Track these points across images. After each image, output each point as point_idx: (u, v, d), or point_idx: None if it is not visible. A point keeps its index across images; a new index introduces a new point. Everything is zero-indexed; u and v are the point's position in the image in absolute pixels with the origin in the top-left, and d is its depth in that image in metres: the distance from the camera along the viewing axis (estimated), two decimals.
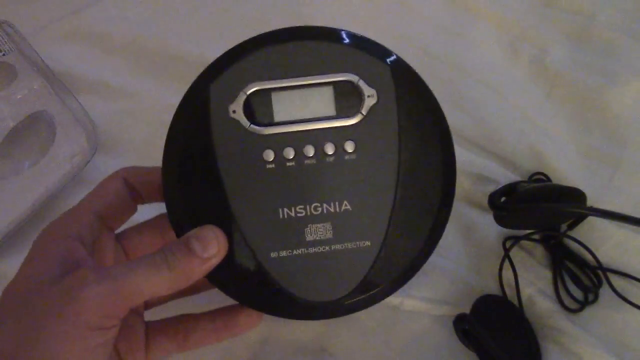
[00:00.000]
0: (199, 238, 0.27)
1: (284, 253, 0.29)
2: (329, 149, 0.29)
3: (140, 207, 0.32)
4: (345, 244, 0.29)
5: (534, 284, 0.42)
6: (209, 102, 0.29)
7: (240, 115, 0.29)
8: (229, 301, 0.31)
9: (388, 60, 0.30)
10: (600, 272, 0.41)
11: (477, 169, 0.45)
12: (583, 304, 0.41)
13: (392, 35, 0.52)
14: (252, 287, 0.30)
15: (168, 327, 0.32)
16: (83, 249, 0.27)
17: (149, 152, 0.46)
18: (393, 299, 0.40)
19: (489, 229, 0.44)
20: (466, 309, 0.40)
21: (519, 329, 0.40)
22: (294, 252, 0.29)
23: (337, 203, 0.29)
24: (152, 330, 0.32)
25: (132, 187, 0.31)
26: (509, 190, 0.43)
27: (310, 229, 0.29)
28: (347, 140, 0.29)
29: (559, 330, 0.40)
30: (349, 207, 0.29)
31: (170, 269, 0.26)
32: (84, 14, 0.51)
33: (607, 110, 0.49)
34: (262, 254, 0.29)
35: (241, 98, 0.29)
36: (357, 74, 0.29)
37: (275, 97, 0.29)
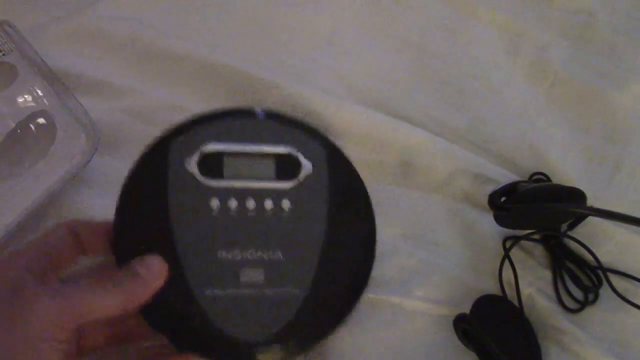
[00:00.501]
0: (143, 263, 0.30)
1: (218, 291, 0.32)
2: (268, 205, 0.33)
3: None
4: (275, 289, 0.33)
5: (534, 284, 0.42)
6: (167, 155, 0.34)
7: (194, 169, 0.33)
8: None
9: (324, 141, 0.36)
10: (600, 272, 0.41)
11: (476, 168, 0.45)
12: (583, 304, 0.41)
13: (392, 35, 0.52)
14: (185, 322, 0.32)
15: None
16: (32, 277, 0.28)
17: None
18: (393, 299, 0.40)
19: (489, 229, 0.44)
20: (466, 309, 0.40)
21: (519, 329, 0.40)
22: (227, 291, 0.32)
23: (270, 251, 0.33)
24: None
25: (77, 237, 0.32)
26: (509, 190, 0.43)
27: (244, 272, 0.32)
28: (283, 199, 0.34)
29: (559, 330, 0.40)
30: (280, 256, 0.33)
31: (117, 288, 0.28)
32: (84, 14, 0.51)
33: (607, 110, 0.49)
34: (197, 289, 0.32)
35: (197, 155, 0.34)
36: (297, 148, 0.35)
37: (226, 157, 0.34)
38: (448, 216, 0.44)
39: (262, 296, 0.32)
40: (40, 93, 0.44)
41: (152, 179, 0.33)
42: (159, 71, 0.49)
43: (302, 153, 0.35)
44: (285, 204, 0.34)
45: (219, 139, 0.34)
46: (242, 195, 0.34)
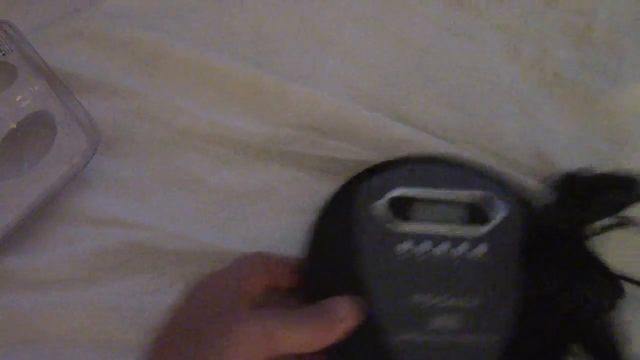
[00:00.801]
0: (338, 302, 0.30)
1: (408, 336, 0.31)
2: (461, 249, 0.33)
3: None
4: (470, 337, 0.31)
5: None
6: (354, 200, 0.34)
7: (381, 213, 0.33)
8: None
9: (513, 186, 0.36)
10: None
11: None
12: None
13: (393, 36, 0.52)
14: None
15: None
16: (234, 301, 0.29)
17: (149, 152, 0.47)
18: None
19: None
20: None
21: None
22: (418, 337, 0.31)
23: (465, 297, 0.32)
24: None
25: (267, 270, 0.33)
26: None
27: (437, 318, 0.31)
28: (478, 243, 0.33)
29: None
30: (477, 302, 0.32)
31: (312, 324, 0.28)
32: (84, 14, 0.51)
33: (608, 111, 0.49)
34: (390, 333, 0.31)
35: (385, 198, 0.34)
36: (489, 193, 0.35)
37: (414, 202, 0.34)
38: None
39: (456, 344, 0.31)
40: (40, 93, 0.44)
41: (341, 224, 0.33)
42: (159, 71, 0.49)
43: (494, 197, 0.34)
44: (480, 248, 0.33)
45: (405, 184, 0.34)
46: (433, 238, 0.33)
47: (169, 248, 0.42)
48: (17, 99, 0.44)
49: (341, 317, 0.29)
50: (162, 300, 0.35)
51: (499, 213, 0.34)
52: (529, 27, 0.52)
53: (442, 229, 0.33)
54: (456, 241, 0.33)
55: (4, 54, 0.45)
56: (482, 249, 0.33)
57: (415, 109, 0.48)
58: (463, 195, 0.34)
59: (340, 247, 0.33)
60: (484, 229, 0.33)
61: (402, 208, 0.33)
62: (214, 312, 0.28)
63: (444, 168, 0.36)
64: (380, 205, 0.33)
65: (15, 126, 0.43)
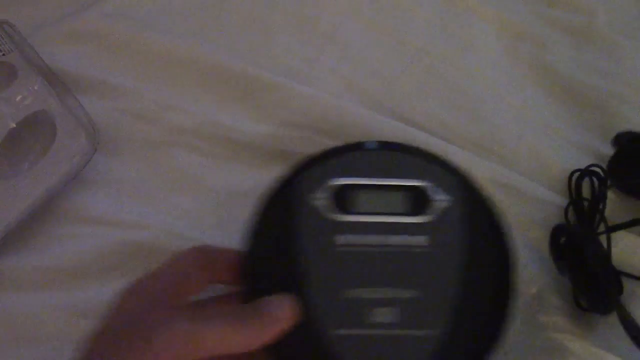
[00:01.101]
0: (273, 301, 0.29)
1: (346, 331, 0.30)
2: (401, 240, 0.32)
3: None
4: (409, 330, 0.30)
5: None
6: (294, 191, 0.33)
7: (321, 204, 0.32)
8: None
9: (461, 174, 0.34)
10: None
11: (478, 169, 0.45)
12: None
13: (393, 36, 0.52)
14: None
15: None
16: (159, 306, 0.28)
17: (149, 153, 0.47)
18: None
19: None
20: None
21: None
22: (357, 331, 0.30)
23: (403, 289, 0.31)
24: None
25: (207, 264, 0.32)
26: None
27: (375, 311, 0.31)
28: (417, 234, 0.32)
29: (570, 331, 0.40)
30: (414, 294, 0.31)
31: (244, 324, 0.27)
32: (84, 14, 0.51)
33: (607, 111, 0.49)
34: (327, 329, 0.30)
35: (323, 190, 0.33)
36: (432, 182, 0.33)
37: (355, 191, 0.33)
38: None
39: (395, 337, 0.30)
40: (40, 93, 0.44)
41: (280, 215, 0.33)
42: (159, 71, 0.49)
43: (438, 186, 0.33)
44: (420, 239, 0.32)
45: (346, 173, 0.33)
46: (372, 230, 0.32)
47: (169, 248, 0.42)
48: (17, 98, 0.44)
49: (276, 318, 0.28)
50: None
51: (441, 203, 0.33)
52: (529, 27, 0.52)
53: (382, 219, 0.32)
54: (396, 232, 0.32)
55: (4, 54, 0.45)
56: (421, 239, 0.32)
57: (414, 109, 0.48)
58: (405, 184, 0.33)
59: (279, 239, 0.32)
60: (425, 219, 0.32)
61: (342, 198, 0.33)
62: (140, 316, 0.27)
63: (387, 156, 0.34)
64: (320, 195, 0.32)
65: (15, 126, 0.43)
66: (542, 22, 0.53)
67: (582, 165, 0.45)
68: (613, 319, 0.38)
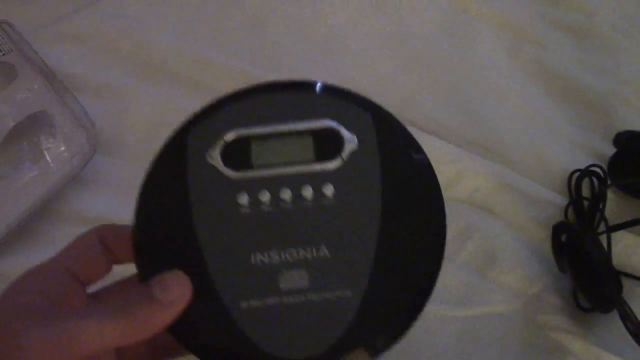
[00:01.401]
0: (160, 282, 0.25)
1: (254, 302, 0.27)
2: (307, 193, 0.28)
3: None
4: (323, 293, 0.27)
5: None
6: (186, 149, 0.29)
7: (217, 161, 0.29)
8: None
9: (368, 108, 0.30)
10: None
11: (479, 169, 0.45)
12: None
13: (393, 37, 0.52)
14: (218, 340, 0.27)
15: None
16: (43, 301, 0.25)
17: (149, 153, 0.47)
18: None
19: (493, 230, 0.43)
20: (467, 308, 0.40)
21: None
22: (266, 301, 0.27)
23: (314, 248, 0.27)
24: None
25: (107, 246, 0.29)
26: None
27: (284, 276, 0.27)
28: (326, 184, 0.28)
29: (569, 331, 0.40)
30: (326, 252, 0.27)
31: (127, 315, 0.24)
32: (84, 14, 0.51)
33: (606, 110, 0.49)
34: (231, 302, 0.27)
35: (218, 145, 0.29)
36: (336, 121, 0.29)
37: (253, 143, 0.29)
38: (452, 217, 0.44)
39: (308, 303, 0.27)
40: (40, 93, 0.44)
41: (171, 178, 0.29)
42: (159, 71, 0.49)
43: (345, 125, 0.29)
44: (328, 189, 0.28)
45: (242, 123, 0.29)
46: (275, 185, 0.28)
47: None
48: (17, 98, 0.44)
49: (166, 302, 0.25)
50: None
51: (348, 146, 0.29)
52: (529, 27, 0.52)
53: (285, 171, 0.28)
54: (300, 184, 0.28)
55: (3, 54, 0.45)
56: (329, 189, 0.28)
57: (414, 109, 0.48)
58: (308, 128, 0.29)
59: (173, 202, 0.28)
60: (331, 167, 0.28)
61: (240, 152, 0.29)
62: (11, 318, 0.24)
63: (285, 98, 0.30)
64: (215, 152, 0.29)
65: (15, 126, 0.43)
66: (542, 22, 0.53)
67: (582, 165, 0.45)
68: (613, 319, 0.38)
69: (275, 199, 0.28)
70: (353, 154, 0.29)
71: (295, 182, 0.28)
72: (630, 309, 0.36)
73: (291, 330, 0.26)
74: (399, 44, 0.52)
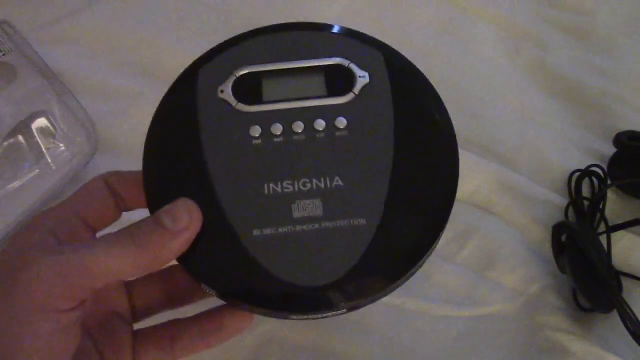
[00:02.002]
0: (169, 210, 0.25)
1: (267, 230, 0.26)
2: (319, 126, 0.28)
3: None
4: (337, 222, 0.26)
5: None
6: (196, 83, 0.29)
7: (228, 95, 0.29)
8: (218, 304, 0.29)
9: (379, 46, 0.31)
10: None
11: (480, 169, 0.45)
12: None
13: (392, 36, 0.52)
14: (230, 269, 0.26)
15: (155, 334, 0.30)
16: (52, 239, 0.25)
17: None
18: (395, 299, 0.40)
19: (494, 229, 0.43)
20: (466, 308, 0.40)
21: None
22: (279, 229, 0.26)
23: (327, 178, 0.27)
24: (140, 338, 0.30)
25: (115, 192, 0.29)
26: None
27: (297, 206, 0.27)
28: (338, 116, 0.28)
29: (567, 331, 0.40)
30: (340, 182, 0.27)
31: (136, 243, 0.23)
32: (83, 14, 0.51)
33: (606, 110, 0.49)
34: (243, 230, 0.26)
35: (230, 80, 0.29)
36: (348, 58, 0.30)
37: (265, 78, 0.29)
38: (452, 217, 0.44)
39: (323, 231, 0.26)
40: (40, 93, 0.44)
41: (182, 113, 0.29)
42: (159, 71, 0.49)
43: (355, 63, 0.30)
44: (341, 122, 0.28)
45: (253, 60, 0.30)
46: (287, 118, 0.28)
47: None
48: (17, 98, 0.44)
49: (177, 229, 0.24)
50: None
51: (360, 81, 0.29)
52: (529, 27, 0.52)
53: (296, 105, 0.29)
54: (312, 117, 0.28)
55: (3, 54, 0.45)
56: (341, 122, 0.28)
57: None
58: (318, 64, 0.30)
59: (184, 135, 0.28)
60: (343, 100, 0.29)
61: (252, 87, 0.29)
62: (15, 253, 0.23)
63: (295, 37, 0.31)
64: (226, 87, 0.29)
65: (15, 125, 0.43)
66: (542, 22, 0.53)
67: (582, 165, 0.45)
68: (612, 319, 0.38)
69: (288, 131, 0.28)
70: (364, 89, 0.29)
71: (308, 115, 0.28)
72: (630, 308, 0.36)
73: (305, 258, 0.26)
74: (399, 44, 0.52)
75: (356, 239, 0.26)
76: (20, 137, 0.44)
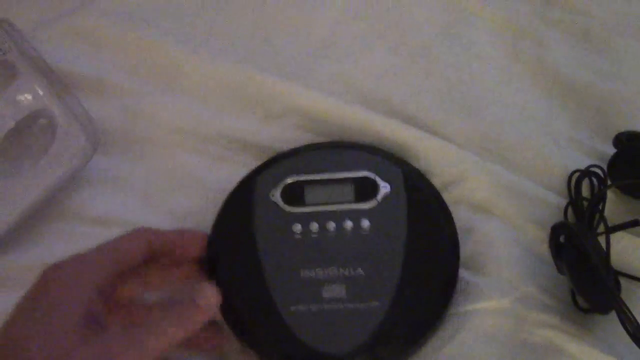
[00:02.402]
0: (199, 291, 0.32)
1: (302, 307, 0.35)
2: (347, 225, 0.37)
3: None
4: (357, 304, 0.35)
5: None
6: (254, 189, 0.39)
7: (278, 199, 0.38)
8: None
9: (399, 163, 0.40)
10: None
11: (480, 169, 0.45)
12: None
13: (392, 36, 0.52)
14: (272, 336, 0.35)
15: None
16: (101, 303, 0.30)
17: (148, 152, 0.47)
18: None
19: (494, 230, 0.43)
20: (464, 307, 0.40)
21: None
22: (311, 307, 0.35)
23: (351, 268, 0.36)
24: None
25: (150, 246, 0.34)
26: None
27: (326, 289, 0.35)
28: (363, 218, 0.37)
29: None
30: (361, 272, 0.35)
31: (181, 320, 0.30)
32: (84, 13, 0.51)
33: (606, 110, 0.49)
34: (283, 306, 0.35)
35: (280, 186, 0.39)
36: (373, 172, 0.39)
37: (306, 186, 0.39)
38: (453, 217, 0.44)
39: (345, 310, 0.35)
40: (40, 92, 0.44)
41: (242, 209, 0.38)
42: (159, 71, 0.49)
43: (379, 175, 0.38)
44: (365, 223, 0.37)
45: (299, 171, 0.39)
46: (322, 218, 0.37)
47: None
48: (17, 98, 0.44)
49: (206, 307, 0.32)
50: None
51: (382, 191, 0.38)
52: (529, 27, 0.52)
53: (331, 208, 0.38)
54: (342, 218, 0.37)
55: (4, 53, 0.45)
56: (365, 223, 0.37)
57: (414, 109, 0.48)
58: (349, 176, 0.39)
59: (242, 228, 0.38)
60: (368, 206, 0.38)
61: (296, 193, 0.38)
62: (83, 317, 0.28)
63: (333, 153, 0.41)
64: (277, 191, 0.38)
65: (15, 125, 0.43)
66: (542, 22, 0.53)
67: (582, 165, 0.45)
68: (610, 319, 0.38)
69: (322, 228, 0.37)
70: (385, 197, 0.38)
71: (339, 217, 0.37)
72: (629, 310, 0.36)
73: (330, 331, 0.35)
74: (399, 43, 0.52)
75: (371, 317, 0.34)
76: (20, 137, 0.44)
